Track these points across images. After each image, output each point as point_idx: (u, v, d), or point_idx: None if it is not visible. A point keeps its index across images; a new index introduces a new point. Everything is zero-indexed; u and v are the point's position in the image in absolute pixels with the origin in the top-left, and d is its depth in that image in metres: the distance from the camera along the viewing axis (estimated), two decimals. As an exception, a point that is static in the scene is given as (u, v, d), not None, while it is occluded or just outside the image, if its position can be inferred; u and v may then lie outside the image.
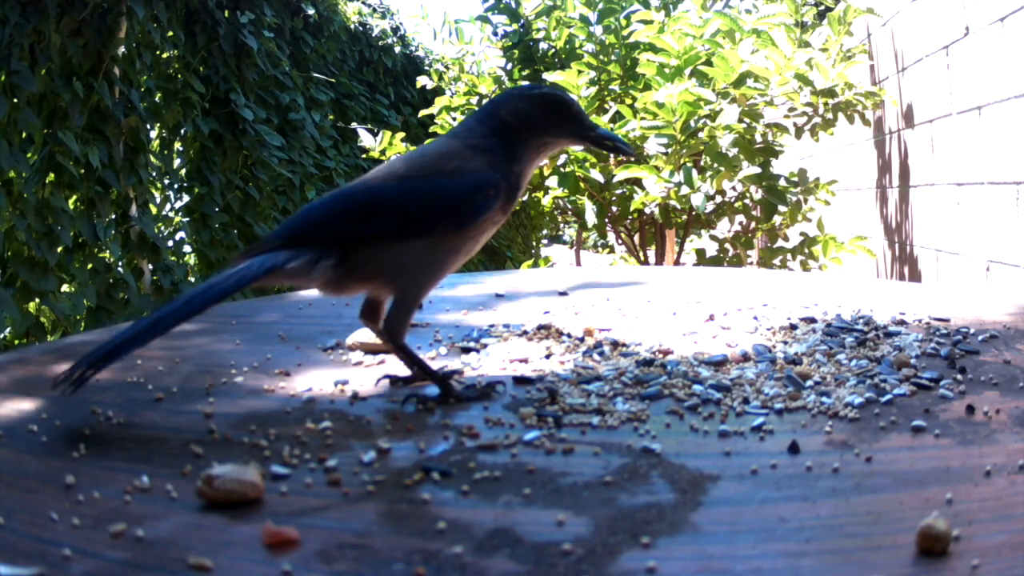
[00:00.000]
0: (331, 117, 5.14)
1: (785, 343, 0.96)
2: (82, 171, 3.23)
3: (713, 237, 3.05)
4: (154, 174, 3.94)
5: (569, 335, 1.03)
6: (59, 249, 3.11)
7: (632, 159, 0.79)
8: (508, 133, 0.83)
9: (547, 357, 0.94)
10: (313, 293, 1.40)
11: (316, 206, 0.83)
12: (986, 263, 2.28)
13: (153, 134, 4.03)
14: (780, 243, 2.97)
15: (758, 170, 2.52)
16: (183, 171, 4.20)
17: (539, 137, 0.83)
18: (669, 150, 2.57)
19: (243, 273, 0.77)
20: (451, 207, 0.79)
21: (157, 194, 4.14)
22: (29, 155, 3.12)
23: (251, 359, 0.95)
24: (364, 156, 3.91)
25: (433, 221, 0.79)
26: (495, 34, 3.67)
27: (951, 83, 2.47)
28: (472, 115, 0.86)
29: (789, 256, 2.92)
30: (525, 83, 0.74)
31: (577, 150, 2.72)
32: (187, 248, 4.24)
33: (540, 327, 1.06)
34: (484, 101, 3.34)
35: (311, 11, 5.00)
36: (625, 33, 3.04)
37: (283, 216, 4.49)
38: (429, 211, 0.79)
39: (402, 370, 0.87)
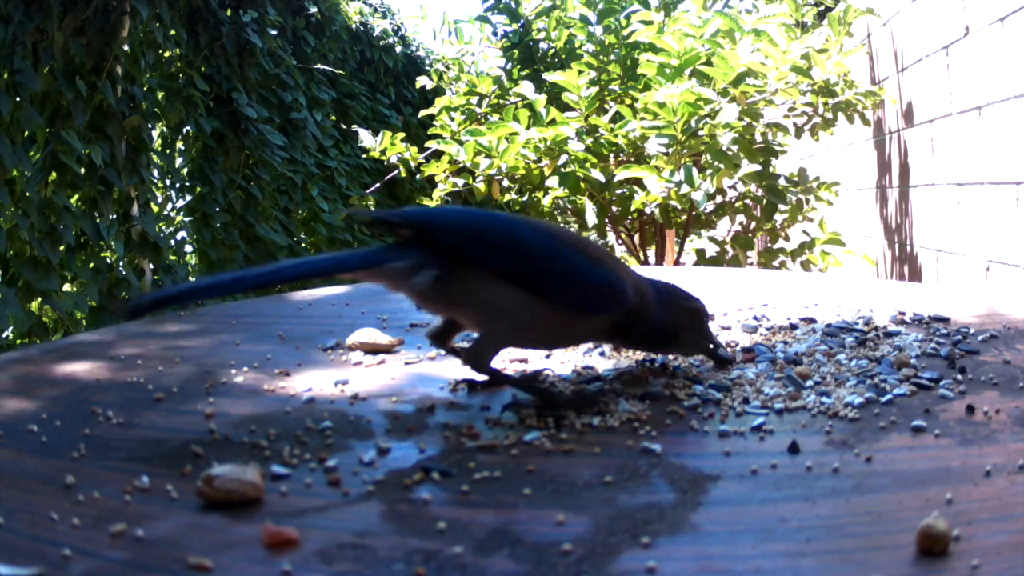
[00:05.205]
0: (333, 117, 5.14)
1: (785, 343, 0.96)
2: (84, 170, 3.23)
3: (712, 239, 3.05)
4: (156, 173, 3.93)
5: (569, 335, 1.03)
6: (61, 248, 3.11)
7: (730, 361, 0.84)
8: (665, 309, 0.83)
9: (547, 357, 0.94)
10: (313, 293, 1.40)
11: (458, 211, 0.80)
12: (986, 263, 2.28)
13: (155, 133, 4.03)
14: (780, 243, 2.97)
15: (758, 167, 2.52)
16: (185, 170, 4.20)
17: (683, 338, 0.85)
18: (670, 150, 2.57)
19: (340, 260, 0.76)
20: (569, 281, 0.76)
21: (159, 193, 4.14)
22: (32, 154, 3.12)
23: (251, 359, 0.95)
24: (365, 156, 3.90)
25: (545, 284, 0.75)
26: (495, 34, 3.67)
27: (951, 83, 2.47)
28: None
29: (789, 259, 2.92)
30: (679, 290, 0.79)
31: (578, 149, 2.72)
32: (188, 248, 4.24)
33: (540, 327, 1.06)
34: (484, 101, 3.34)
35: (313, 9, 4.99)
36: (625, 33, 3.04)
37: (285, 216, 4.49)
38: (543, 271, 0.75)
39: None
